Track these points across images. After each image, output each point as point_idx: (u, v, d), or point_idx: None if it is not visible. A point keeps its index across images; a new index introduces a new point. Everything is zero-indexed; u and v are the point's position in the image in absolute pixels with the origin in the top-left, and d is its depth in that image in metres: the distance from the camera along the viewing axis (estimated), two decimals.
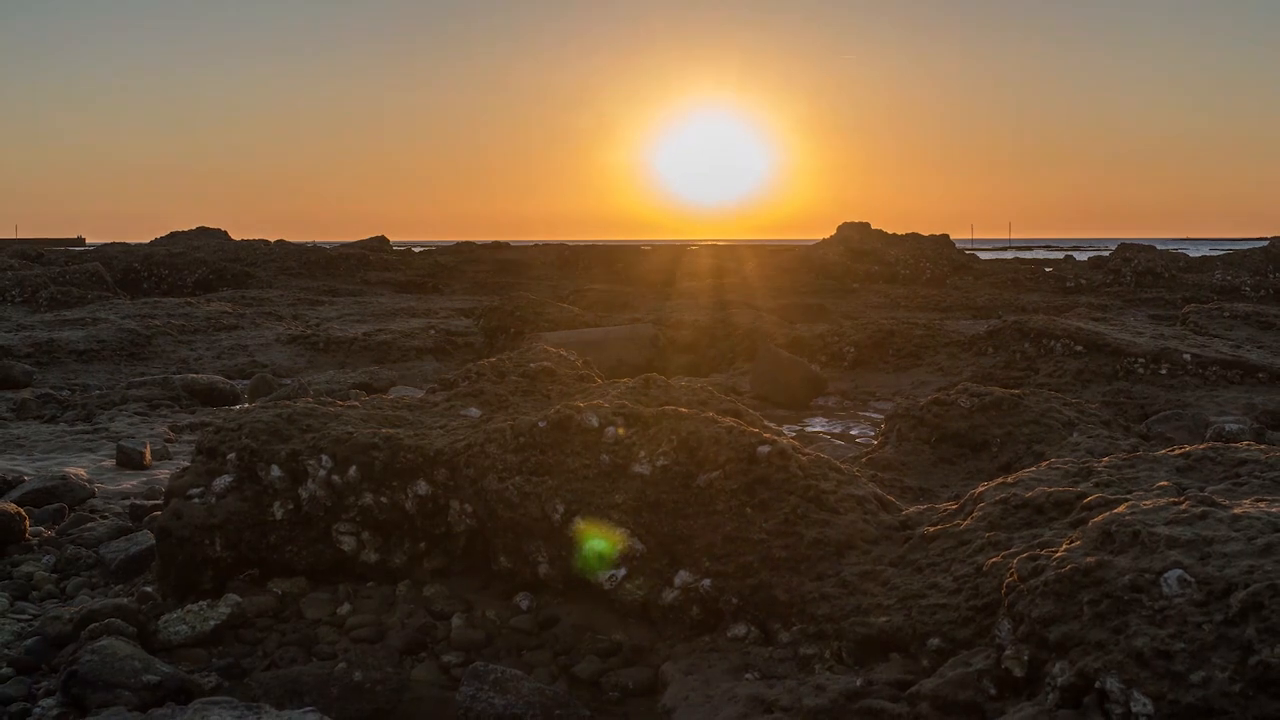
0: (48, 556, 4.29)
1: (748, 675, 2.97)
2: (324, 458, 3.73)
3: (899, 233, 26.37)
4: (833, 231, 26.44)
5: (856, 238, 25.08)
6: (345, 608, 3.57)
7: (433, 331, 12.28)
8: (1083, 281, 19.63)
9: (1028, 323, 9.22)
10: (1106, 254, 21.78)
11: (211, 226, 36.29)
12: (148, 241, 34.70)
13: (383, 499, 3.70)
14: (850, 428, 7.65)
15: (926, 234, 27.30)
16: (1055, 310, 14.34)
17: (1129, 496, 2.87)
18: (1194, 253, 23.35)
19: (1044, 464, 3.53)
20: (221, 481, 3.81)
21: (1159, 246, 22.18)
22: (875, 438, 6.78)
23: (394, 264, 24.27)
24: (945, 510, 3.39)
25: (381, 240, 33.03)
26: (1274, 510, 2.56)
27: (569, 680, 3.16)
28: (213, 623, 3.38)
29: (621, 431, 3.63)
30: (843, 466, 3.81)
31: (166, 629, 3.35)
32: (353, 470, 3.71)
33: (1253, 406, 7.30)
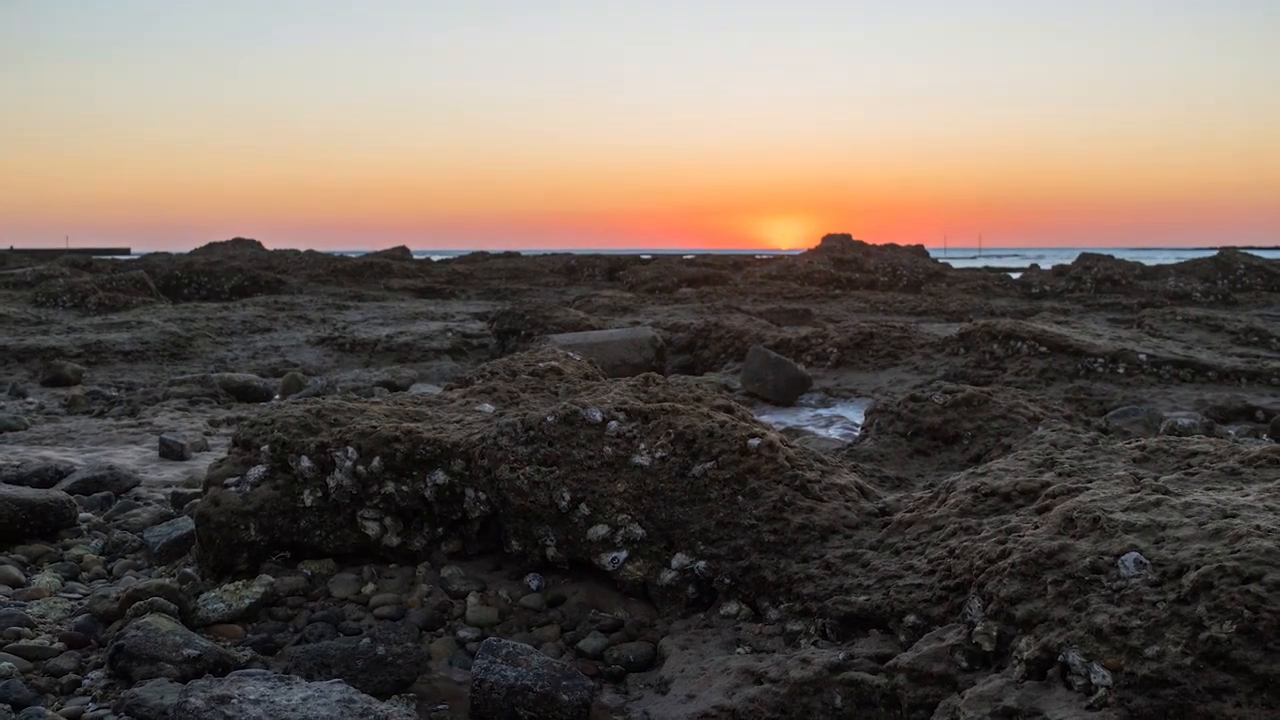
0: (96, 540, 4.29)
1: (739, 649, 2.97)
2: (350, 449, 3.73)
3: (878, 243, 26.35)
4: (818, 242, 26.42)
5: (839, 247, 25.05)
6: (370, 587, 3.57)
7: (450, 334, 12.27)
8: (1047, 288, 19.59)
9: (996, 325, 9.21)
10: (1069, 262, 21.74)
11: (247, 237, 36.11)
12: (188, 251, 34.61)
13: (404, 487, 3.70)
14: (833, 422, 7.64)
15: (903, 244, 27.30)
16: (1021, 314, 14.32)
17: (1089, 485, 2.87)
18: (1150, 261, 23.30)
19: (1011, 455, 3.52)
20: (256, 471, 3.80)
21: (1117, 255, 22.13)
22: (856, 431, 6.78)
23: (414, 271, 24.20)
24: (921, 498, 3.39)
25: (403, 250, 32.95)
26: (1222, 498, 2.56)
27: (575, 654, 3.16)
28: (248, 601, 3.38)
29: (623, 426, 3.62)
30: (826, 458, 3.81)
31: (205, 607, 3.35)
32: (376, 461, 3.71)
33: (1203, 403, 7.30)
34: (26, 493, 4.31)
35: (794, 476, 3.42)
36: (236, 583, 3.50)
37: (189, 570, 3.76)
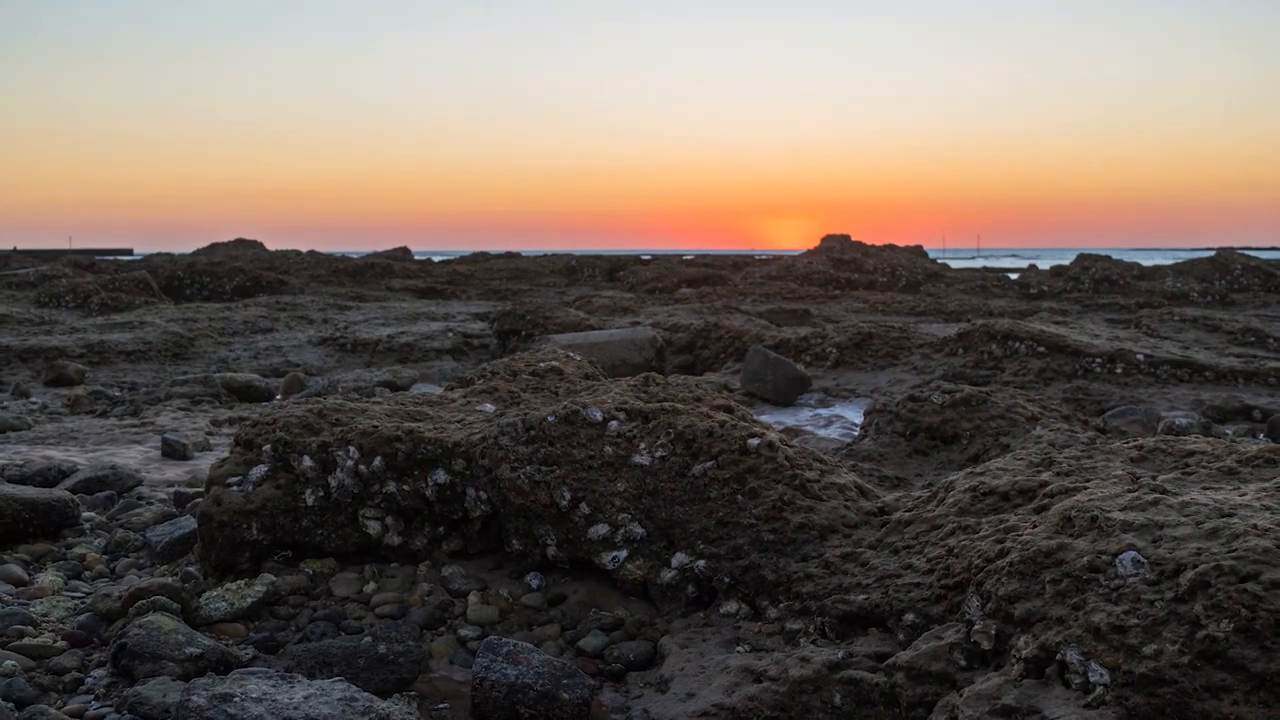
0: (99, 539, 4.29)
1: (739, 648, 2.97)
2: (351, 449, 3.73)
3: (877, 244, 26.36)
4: (817, 242, 26.43)
5: (838, 248, 25.06)
6: (371, 586, 3.57)
7: (451, 334, 12.27)
8: (1045, 288, 19.59)
9: (994, 326, 9.21)
10: (1067, 263, 21.73)
11: (249, 238, 36.13)
12: (190, 252, 34.59)
13: (405, 487, 3.70)
14: (832, 422, 7.64)
15: (902, 245, 27.32)
16: (1020, 314, 14.32)
17: (1087, 485, 2.87)
18: (1147, 262, 23.30)
19: (1009, 455, 3.52)
20: (258, 471, 3.81)
21: (1115, 256, 22.13)
22: (855, 431, 6.78)
23: (415, 272, 24.20)
24: (919, 497, 3.39)
25: (404, 250, 32.94)
26: (1220, 497, 2.56)
27: (575, 653, 3.16)
28: (250, 600, 3.39)
29: (624, 425, 3.62)
30: (825, 457, 3.81)
31: (207, 605, 3.35)
32: (377, 461, 3.71)
33: (1200, 402, 7.30)
34: (30, 492, 4.31)
35: (793, 476, 3.42)
36: (238, 582, 3.50)
37: (191, 569, 3.77)
